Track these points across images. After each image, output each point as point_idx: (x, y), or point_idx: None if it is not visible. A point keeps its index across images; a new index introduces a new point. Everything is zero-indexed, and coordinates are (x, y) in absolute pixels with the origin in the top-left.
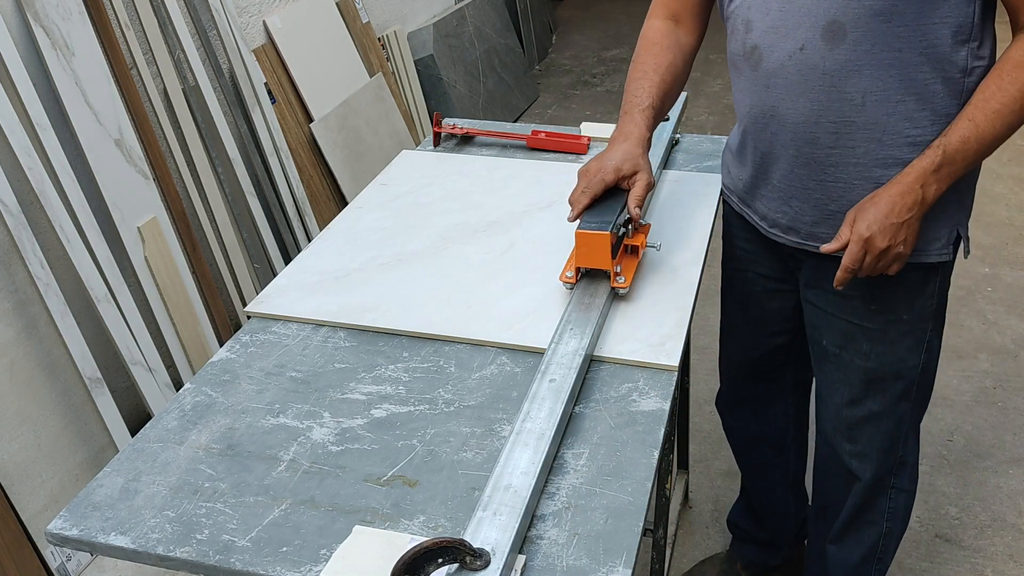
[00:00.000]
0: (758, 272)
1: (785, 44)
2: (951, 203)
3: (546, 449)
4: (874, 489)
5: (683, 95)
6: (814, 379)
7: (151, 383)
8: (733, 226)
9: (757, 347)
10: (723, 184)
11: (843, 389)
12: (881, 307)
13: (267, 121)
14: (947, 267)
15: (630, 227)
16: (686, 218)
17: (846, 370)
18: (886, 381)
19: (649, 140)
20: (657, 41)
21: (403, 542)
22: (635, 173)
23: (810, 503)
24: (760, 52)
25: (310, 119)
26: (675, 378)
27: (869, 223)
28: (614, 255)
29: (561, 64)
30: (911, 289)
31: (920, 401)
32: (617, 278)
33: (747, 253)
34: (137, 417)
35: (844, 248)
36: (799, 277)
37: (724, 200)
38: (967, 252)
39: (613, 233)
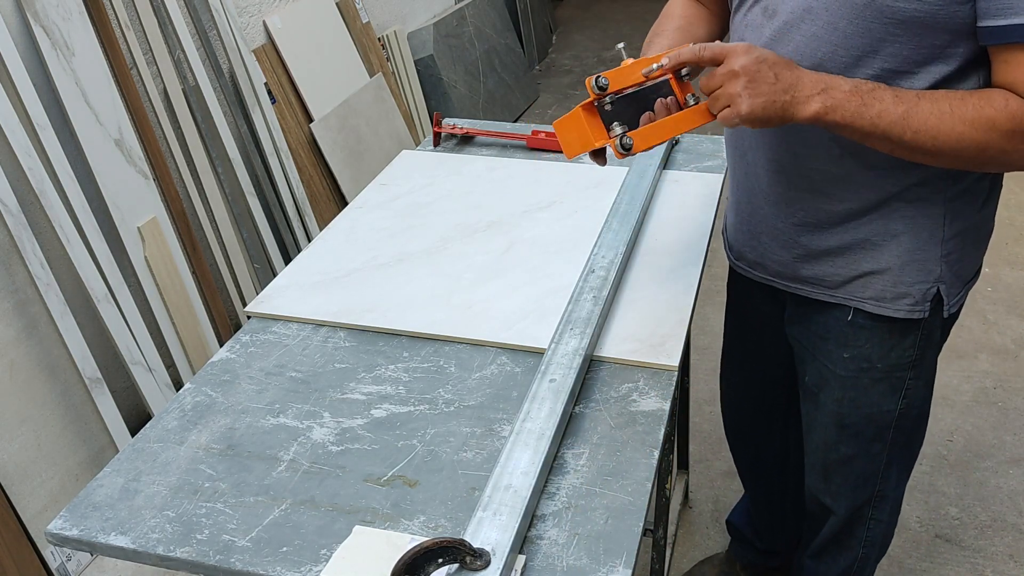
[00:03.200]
0: (753, 305)
1: None
2: (932, 259)
3: (546, 449)
4: (850, 520)
5: None
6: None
7: (151, 383)
8: None
9: (754, 378)
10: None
11: (819, 430)
12: (853, 355)
13: (267, 121)
14: (932, 323)
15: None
16: (686, 218)
17: (822, 412)
18: (858, 426)
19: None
20: (672, 12)
21: (403, 542)
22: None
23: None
24: None
25: (310, 119)
26: (675, 378)
27: (746, 56)
28: (608, 123)
29: (561, 64)
30: (884, 341)
31: (903, 443)
32: (621, 141)
33: (744, 283)
34: (137, 417)
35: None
36: (784, 314)
37: None
38: (949, 311)
39: (595, 105)
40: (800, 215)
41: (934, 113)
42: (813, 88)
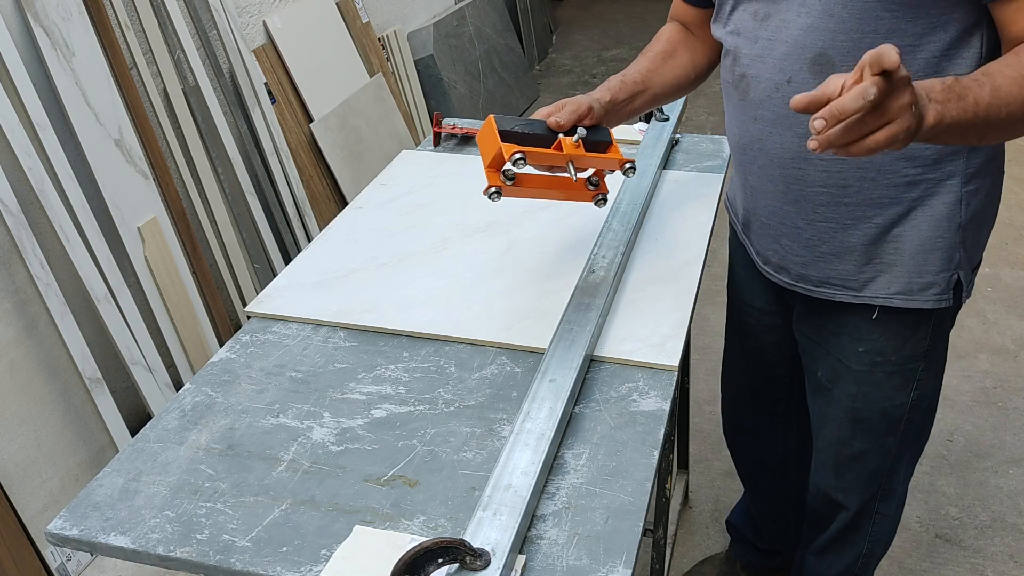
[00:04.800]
0: (754, 304)
1: (772, 75)
2: (952, 246)
3: (546, 449)
4: (859, 515)
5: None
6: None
7: (151, 383)
8: (735, 253)
9: (755, 377)
10: (729, 206)
11: (832, 426)
12: (868, 349)
13: (267, 121)
14: (944, 312)
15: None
16: (686, 218)
17: (835, 407)
18: (872, 420)
19: (606, 100)
20: (661, 36)
21: (403, 542)
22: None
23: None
24: (748, 82)
25: (310, 119)
26: (675, 378)
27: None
28: (506, 163)
29: (561, 64)
30: (900, 333)
31: (913, 437)
32: (491, 193)
33: (744, 283)
34: (137, 417)
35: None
36: (792, 313)
37: (730, 223)
38: (966, 296)
39: (511, 132)
40: (821, 211)
41: (1012, 82)
42: (923, 100)
